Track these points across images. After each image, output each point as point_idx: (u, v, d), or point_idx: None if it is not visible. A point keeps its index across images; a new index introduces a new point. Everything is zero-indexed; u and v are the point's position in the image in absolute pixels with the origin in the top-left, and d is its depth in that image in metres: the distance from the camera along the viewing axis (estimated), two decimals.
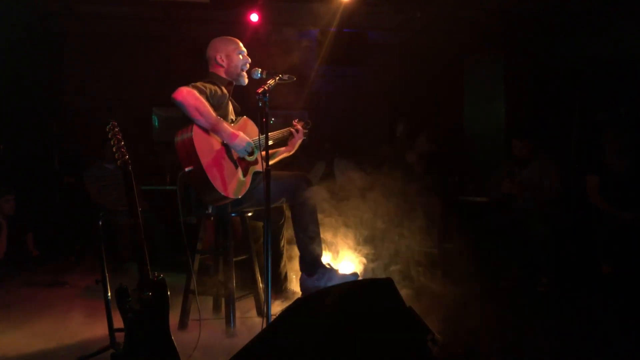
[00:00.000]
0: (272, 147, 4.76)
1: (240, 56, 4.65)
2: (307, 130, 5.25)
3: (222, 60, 4.60)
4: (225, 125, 4.24)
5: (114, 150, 3.73)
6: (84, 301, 5.67)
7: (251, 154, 4.43)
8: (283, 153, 5.13)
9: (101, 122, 4.18)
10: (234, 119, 4.63)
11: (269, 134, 4.01)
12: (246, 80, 4.69)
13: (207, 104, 4.15)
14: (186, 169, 4.01)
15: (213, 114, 4.16)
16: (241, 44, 4.69)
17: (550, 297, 6.11)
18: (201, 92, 4.19)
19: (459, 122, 10.05)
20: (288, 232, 5.20)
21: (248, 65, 4.66)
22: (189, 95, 4.09)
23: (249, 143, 4.29)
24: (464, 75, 10.09)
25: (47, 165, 8.90)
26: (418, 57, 9.71)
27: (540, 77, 8.82)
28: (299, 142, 5.15)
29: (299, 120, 5.21)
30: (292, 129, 5.10)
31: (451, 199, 7.69)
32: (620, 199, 6.27)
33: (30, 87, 8.52)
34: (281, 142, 5.12)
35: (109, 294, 3.80)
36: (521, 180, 6.71)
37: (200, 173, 4.00)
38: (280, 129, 5.05)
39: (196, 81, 4.34)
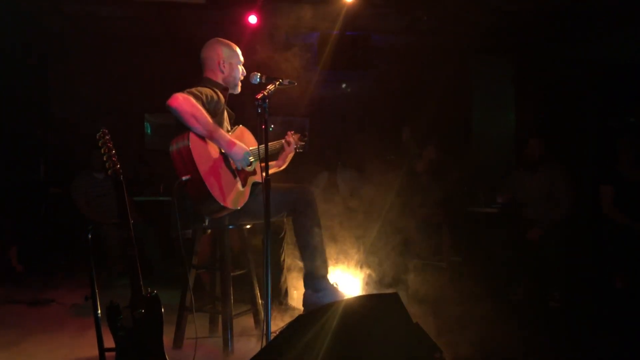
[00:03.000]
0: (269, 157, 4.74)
1: (240, 67, 4.67)
2: (303, 143, 5.23)
3: (224, 67, 4.59)
4: (223, 133, 4.24)
5: (105, 159, 3.73)
6: (72, 319, 5.65)
7: (249, 164, 4.41)
8: (273, 167, 5.08)
9: (90, 129, 4.17)
10: (229, 128, 4.62)
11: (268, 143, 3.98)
12: (239, 89, 4.73)
13: (204, 110, 4.13)
14: (183, 178, 3.98)
15: (210, 121, 4.15)
16: (240, 54, 4.71)
17: (562, 312, 6.12)
18: (197, 98, 4.17)
19: (467, 128, 10.06)
20: (288, 246, 5.19)
21: (242, 77, 4.68)
22: (185, 102, 4.06)
23: (247, 152, 4.27)
24: (472, 79, 10.12)
25: (32, 175, 8.88)
26: (424, 61, 9.72)
27: (552, 81, 8.85)
28: (291, 155, 5.14)
29: (295, 132, 5.20)
30: (283, 142, 5.08)
31: (460, 210, 7.69)
32: (635, 210, 6.27)
33: (13, 91, 8.47)
34: (275, 155, 5.10)
35: (99, 312, 3.78)
36: (531, 188, 6.75)
37: (198, 182, 3.98)
38: (279, 138, 5.04)
39: (191, 86, 4.32)
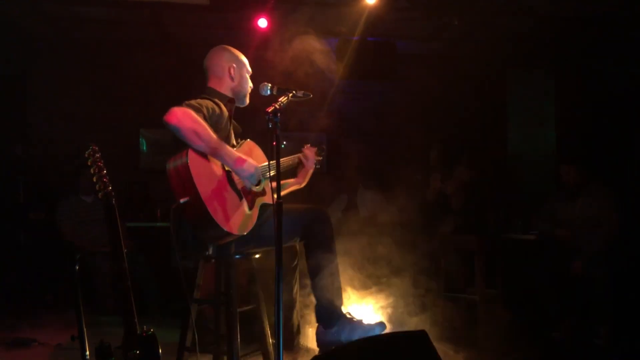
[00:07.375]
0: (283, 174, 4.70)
1: (248, 76, 4.67)
2: (320, 158, 5.19)
3: (235, 74, 4.57)
4: (229, 149, 4.19)
5: (95, 180, 3.71)
6: None
7: (258, 183, 4.37)
8: (293, 185, 5.05)
9: (77, 147, 4.16)
10: (235, 144, 4.59)
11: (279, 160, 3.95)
12: (247, 101, 4.72)
13: (206, 125, 4.09)
14: (181, 201, 3.94)
15: (214, 136, 4.10)
16: (248, 65, 4.72)
17: (609, 351, 6.08)
18: (197, 111, 4.12)
19: (502, 147, 10.06)
20: (302, 277, 5.16)
21: (250, 89, 4.71)
22: (185, 117, 4.01)
23: (257, 169, 4.23)
24: (508, 92, 10.12)
25: (11, 198, 8.87)
26: (455, 71, 9.74)
27: (596, 95, 8.83)
28: (311, 172, 5.10)
29: (312, 145, 5.16)
30: (300, 156, 5.03)
31: (494, 237, 7.68)
32: None
33: None
34: (291, 171, 5.07)
35: (87, 353, 3.76)
36: (573, 215, 6.74)
37: (198, 205, 3.93)
38: (292, 154, 5.01)
39: (192, 97, 4.30)
